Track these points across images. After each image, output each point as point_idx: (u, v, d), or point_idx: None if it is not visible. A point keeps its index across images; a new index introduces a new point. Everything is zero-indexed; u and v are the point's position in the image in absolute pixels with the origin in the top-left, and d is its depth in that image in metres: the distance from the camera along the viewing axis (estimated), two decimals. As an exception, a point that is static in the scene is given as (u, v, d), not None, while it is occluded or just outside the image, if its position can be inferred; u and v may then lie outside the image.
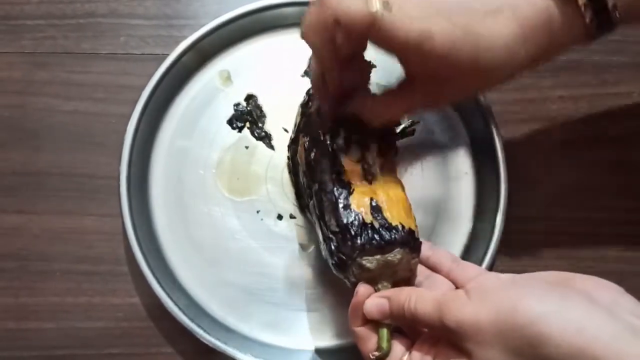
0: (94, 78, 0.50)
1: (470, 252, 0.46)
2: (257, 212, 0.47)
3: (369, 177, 0.39)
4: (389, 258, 0.36)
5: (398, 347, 0.35)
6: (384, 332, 0.35)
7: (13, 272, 0.47)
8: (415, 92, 0.37)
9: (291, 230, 0.47)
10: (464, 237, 0.47)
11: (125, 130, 0.46)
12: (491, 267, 0.45)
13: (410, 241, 0.37)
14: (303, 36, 0.35)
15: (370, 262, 0.36)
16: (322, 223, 0.38)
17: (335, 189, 0.38)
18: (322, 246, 0.39)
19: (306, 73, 0.49)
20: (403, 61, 0.36)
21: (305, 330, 0.46)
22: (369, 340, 0.36)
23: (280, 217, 0.47)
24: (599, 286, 0.31)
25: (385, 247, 0.36)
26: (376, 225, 0.36)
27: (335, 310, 0.46)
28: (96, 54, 0.50)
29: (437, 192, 0.48)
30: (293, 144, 0.44)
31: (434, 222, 0.47)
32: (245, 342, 0.45)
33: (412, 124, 0.48)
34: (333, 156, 0.39)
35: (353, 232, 0.36)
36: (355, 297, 0.36)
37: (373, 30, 0.32)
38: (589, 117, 0.50)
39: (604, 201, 0.49)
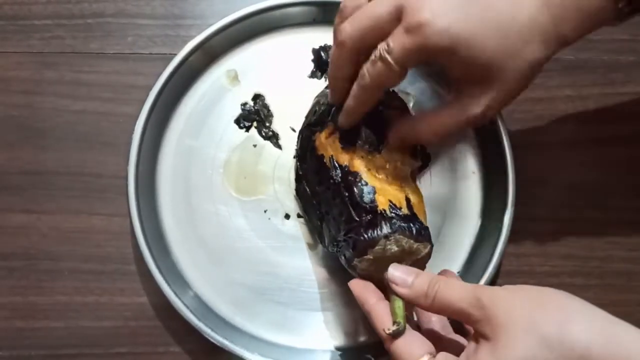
0: (101, 78, 0.50)
1: (478, 252, 0.46)
2: (265, 211, 0.47)
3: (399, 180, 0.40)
4: (419, 247, 0.37)
5: (420, 347, 0.34)
6: (400, 307, 0.35)
7: (21, 271, 0.47)
8: (458, 96, 0.38)
9: (298, 229, 0.47)
10: (472, 236, 0.47)
11: (132, 130, 0.46)
12: (499, 267, 0.45)
13: (432, 244, 0.38)
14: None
15: (404, 242, 0.36)
16: (345, 201, 0.38)
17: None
18: (335, 219, 0.40)
19: (313, 74, 0.49)
20: (442, 73, 0.38)
21: (312, 330, 0.46)
22: (386, 318, 0.35)
23: (287, 216, 0.47)
24: None
25: (417, 236, 0.37)
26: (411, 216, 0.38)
27: (343, 310, 0.46)
28: (104, 54, 0.50)
29: (445, 191, 0.48)
30: (307, 130, 0.44)
31: (441, 221, 0.47)
32: (253, 341, 0.45)
33: None
34: None
35: (390, 214, 0.37)
36: (355, 287, 0.37)
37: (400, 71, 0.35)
38: (597, 116, 0.50)
39: (612, 201, 0.49)
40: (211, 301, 0.46)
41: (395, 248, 0.36)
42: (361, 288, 0.37)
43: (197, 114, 0.48)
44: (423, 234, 0.37)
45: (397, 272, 0.35)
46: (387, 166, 0.39)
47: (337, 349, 0.45)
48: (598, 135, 0.50)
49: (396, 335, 0.34)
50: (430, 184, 0.48)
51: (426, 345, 0.34)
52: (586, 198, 0.49)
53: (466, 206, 0.48)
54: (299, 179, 0.46)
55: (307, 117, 0.45)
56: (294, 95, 0.48)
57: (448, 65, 0.37)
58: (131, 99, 0.49)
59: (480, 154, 0.48)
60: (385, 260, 0.36)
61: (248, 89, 0.49)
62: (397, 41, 0.34)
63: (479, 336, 0.31)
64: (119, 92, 0.49)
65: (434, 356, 0.33)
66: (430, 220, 0.46)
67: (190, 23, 0.51)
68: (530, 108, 0.50)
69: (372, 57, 0.35)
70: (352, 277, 0.39)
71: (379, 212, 0.37)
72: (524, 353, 0.28)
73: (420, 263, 0.38)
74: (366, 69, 0.35)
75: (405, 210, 0.38)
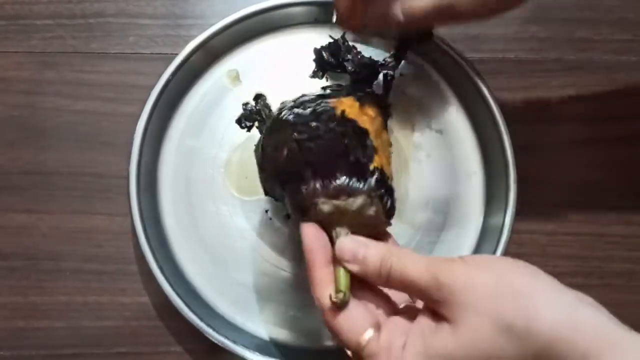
0: (102, 78, 0.50)
1: (479, 252, 0.46)
2: (266, 211, 0.47)
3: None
4: (385, 223, 0.35)
5: (362, 321, 0.31)
6: (346, 275, 0.32)
7: (22, 271, 0.47)
8: None
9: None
10: (473, 236, 0.47)
11: (134, 130, 0.46)
12: (500, 267, 0.45)
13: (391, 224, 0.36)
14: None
15: (379, 210, 0.34)
16: (344, 142, 0.35)
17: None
18: (321, 152, 0.35)
19: (314, 74, 0.49)
20: None
21: (312, 330, 0.46)
22: (329, 287, 0.32)
23: (288, 216, 0.47)
24: (582, 294, 0.30)
25: (389, 211, 0.35)
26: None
27: (344, 310, 0.46)
28: (105, 54, 0.50)
29: (446, 191, 0.48)
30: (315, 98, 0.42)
31: (443, 221, 0.47)
32: (254, 340, 0.45)
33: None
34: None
35: (381, 177, 0.34)
36: (306, 237, 0.33)
37: None
38: (598, 116, 0.50)
39: (613, 201, 0.49)
40: (212, 301, 0.46)
41: (370, 212, 0.34)
42: (314, 240, 0.33)
43: (198, 113, 0.48)
44: (392, 213, 0.35)
45: (346, 245, 0.32)
46: (383, 139, 0.38)
47: (338, 348, 0.45)
48: (599, 135, 0.50)
49: (339, 307, 0.31)
50: (432, 184, 0.48)
51: (370, 317, 0.31)
52: (586, 198, 0.49)
53: (467, 206, 0.48)
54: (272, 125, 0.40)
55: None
56: (296, 95, 0.48)
57: None
58: (132, 98, 0.49)
59: (481, 155, 0.48)
60: (349, 217, 0.33)
61: (249, 89, 0.49)
62: None
63: (437, 315, 0.29)
64: (120, 92, 0.49)
65: (379, 330, 0.30)
66: (432, 220, 0.47)
67: (191, 23, 0.51)
68: (532, 108, 0.50)
69: None
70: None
71: (372, 168, 0.34)
72: (490, 342, 0.27)
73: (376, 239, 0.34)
74: None
75: (390, 182, 0.35)
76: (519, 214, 0.45)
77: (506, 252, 0.45)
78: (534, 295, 0.27)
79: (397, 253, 0.31)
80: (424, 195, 0.47)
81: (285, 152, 0.35)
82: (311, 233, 0.33)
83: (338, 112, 0.36)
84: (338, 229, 0.33)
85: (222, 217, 0.47)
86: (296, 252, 0.47)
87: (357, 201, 0.33)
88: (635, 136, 0.50)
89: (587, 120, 0.50)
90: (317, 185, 0.33)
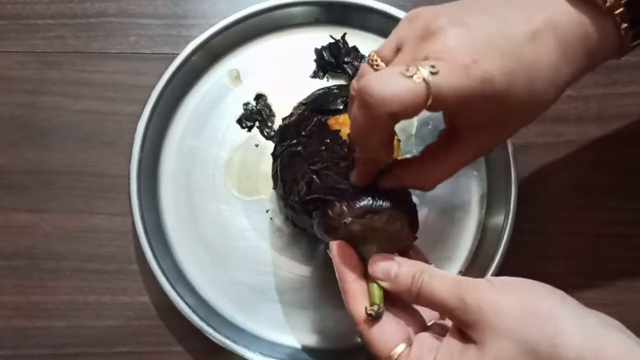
0: (104, 77, 0.50)
1: (480, 252, 0.46)
2: (267, 211, 0.47)
3: None
4: (409, 236, 0.36)
5: (395, 335, 0.32)
6: (380, 290, 0.33)
7: (23, 271, 0.47)
8: (465, 143, 0.33)
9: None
10: (473, 236, 0.47)
11: (135, 130, 0.46)
12: (501, 267, 0.45)
13: (416, 238, 0.36)
14: (356, 140, 0.33)
15: (403, 225, 0.35)
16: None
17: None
18: (337, 173, 0.37)
19: (315, 74, 0.49)
20: (453, 116, 0.33)
21: (313, 330, 0.46)
22: (362, 299, 0.33)
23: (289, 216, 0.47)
24: (605, 315, 0.30)
25: (412, 225, 0.36)
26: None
27: (344, 310, 0.46)
28: (106, 54, 0.50)
29: (446, 192, 0.48)
30: (312, 111, 0.41)
31: (443, 221, 0.47)
32: (254, 340, 0.45)
33: None
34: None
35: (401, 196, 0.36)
36: (337, 253, 0.34)
37: (429, 101, 0.29)
38: (599, 117, 0.50)
39: (614, 201, 0.49)
40: (213, 300, 0.46)
41: (396, 227, 0.35)
42: (344, 257, 0.34)
43: (199, 113, 0.48)
44: (416, 226, 0.36)
45: (379, 264, 0.33)
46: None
47: (338, 349, 0.46)
48: (599, 135, 0.50)
49: (374, 319, 0.32)
50: (432, 184, 0.48)
51: (402, 331, 0.32)
52: (586, 198, 0.49)
53: (467, 207, 0.48)
54: (282, 138, 0.42)
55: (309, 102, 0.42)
56: (296, 95, 0.47)
57: (468, 112, 0.31)
58: (133, 98, 0.49)
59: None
60: (375, 234, 0.35)
61: (250, 89, 0.49)
62: (450, 70, 0.28)
63: (465, 336, 0.30)
64: (121, 92, 0.50)
65: (410, 345, 0.32)
66: (432, 220, 0.47)
67: (192, 23, 0.51)
68: (532, 108, 0.50)
69: (400, 70, 0.28)
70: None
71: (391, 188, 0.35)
72: None
73: (402, 252, 0.36)
74: (381, 84, 0.28)
75: (411, 197, 0.37)
76: (518, 214, 0.45)
77: (506, 252, 0.45)
78: (559, 320, 0.28)
79: (428, 273, 0.32)
80: (423, 195, 0.47)
81: (305, 186, 0.37)
82: (341, 250, 0.34)
83: (344, 136, 0.38)
84: (368, 246, 0.35)
85: (223, 217, 0.47)
86: (296, 252, 0.47)
87: (383, 218, 0.35)
88: (635, 136, 0.50)
89: (587, 120, 0.50)
90: (344, 207, 0.35)
